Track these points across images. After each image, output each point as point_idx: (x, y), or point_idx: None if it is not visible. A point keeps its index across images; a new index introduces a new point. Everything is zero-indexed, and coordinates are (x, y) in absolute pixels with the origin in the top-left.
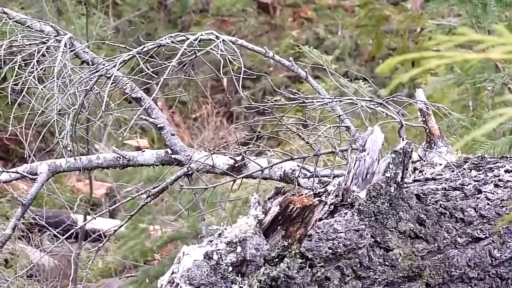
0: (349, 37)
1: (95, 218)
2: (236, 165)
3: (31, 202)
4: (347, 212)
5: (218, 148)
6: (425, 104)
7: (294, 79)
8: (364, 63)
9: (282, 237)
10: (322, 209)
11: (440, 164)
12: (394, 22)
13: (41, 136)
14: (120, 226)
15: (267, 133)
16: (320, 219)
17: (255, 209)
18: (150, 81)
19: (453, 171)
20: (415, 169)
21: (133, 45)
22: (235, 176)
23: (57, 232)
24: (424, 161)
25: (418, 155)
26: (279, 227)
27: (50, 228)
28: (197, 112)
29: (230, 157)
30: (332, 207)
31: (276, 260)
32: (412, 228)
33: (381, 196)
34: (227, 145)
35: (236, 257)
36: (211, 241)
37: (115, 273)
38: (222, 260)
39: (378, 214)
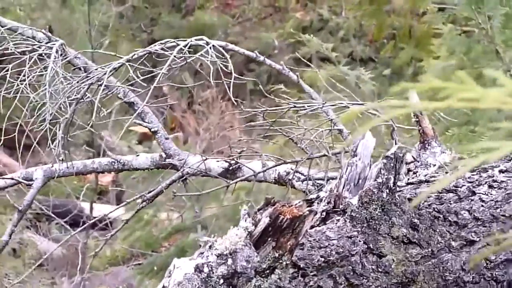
0: (353, 18)
1: (106, 216)
2: (231, 168)
3: (28, 208)
4: (339, 219)
5: (212, 153)
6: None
7: (299, 61)
8: (369, 44)
9: (273, 248)
10: (313, 219)
11: (434, 165)
12: (396, 3)
13: (33, 145)
14: (117, 231)
15: (259, 138)
16: (312, 227)
17: (245, 220)
18: (140, 90)
19: (446, 172)
20: (409, 170)
21: (137, 31)
22: (229, 180)
23: (65, 222)
24: (418, 162)
25: (412, 156)
26: (269, 239)
27: (58, 218)
28: (202, 96)
29: (224, 161)
30: (324, 214)
31: (267, 271)
32: (405, 234)
33: (373, 202)
34: (232, 128)
35: (227, 269)
36: (202, 253)
37: (123, 261)
38: (213, 273)
39: (370, 220)
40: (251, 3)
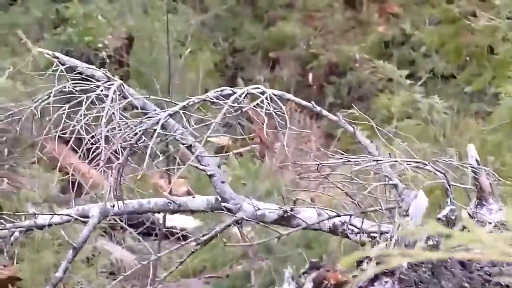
0: (436, 34)
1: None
2: (285, 215)
3: (82, 245)
4: (387, 281)
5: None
6: (476, 161)
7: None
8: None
9: None
10: (358, 283)
11: (490, 223)
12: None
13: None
14: (171, 272)
15: (312, 190)
16: None
17: (289, 284)
18: (193, 140)
19: (501, 232)
20: (464, 228)
21: (219, 40)
22: (283, 231)
23: (138, 233)
24: (474, 219)
25: (468, 213)
26: None
27: (131, 228)
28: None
29: (279, 208)
30: (372, 275)
31: None
32: None
33: (423, 265)
34: (309, 141)
35: None
36: None
37: (194, 274)
38: None
39: (419, 283)
40: (334, 16)
